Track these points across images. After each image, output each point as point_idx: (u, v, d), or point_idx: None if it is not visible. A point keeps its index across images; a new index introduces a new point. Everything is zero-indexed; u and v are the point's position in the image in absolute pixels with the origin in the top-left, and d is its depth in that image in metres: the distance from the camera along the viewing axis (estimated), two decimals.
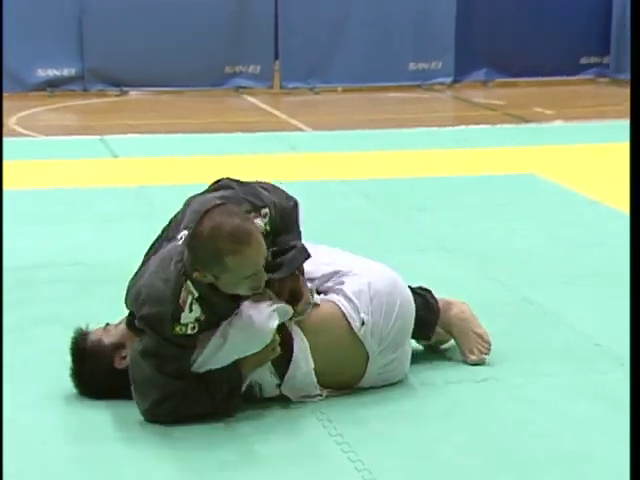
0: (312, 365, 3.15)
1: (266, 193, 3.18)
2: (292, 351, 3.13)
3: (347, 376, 3.24)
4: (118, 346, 3.17)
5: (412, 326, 3.34)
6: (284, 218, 3.18)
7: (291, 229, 3.20)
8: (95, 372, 3.17)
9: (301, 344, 3.15)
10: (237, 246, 2.91)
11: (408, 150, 7.36)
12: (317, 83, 10.89)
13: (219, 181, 3.25)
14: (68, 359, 3.24)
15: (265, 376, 3.14)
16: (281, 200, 3.21)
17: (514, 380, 3.37)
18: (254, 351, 3.06)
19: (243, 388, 3.10)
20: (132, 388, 3.07)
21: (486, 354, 3.48)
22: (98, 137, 7.85)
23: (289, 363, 3.13)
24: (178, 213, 3.24)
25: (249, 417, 3.10)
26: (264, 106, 10.11)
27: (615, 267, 4.44)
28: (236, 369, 3.06)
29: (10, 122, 8.91)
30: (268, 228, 3.12)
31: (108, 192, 6.01)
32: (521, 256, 4.76)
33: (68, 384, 3.24)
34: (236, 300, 3.04)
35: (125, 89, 10.62)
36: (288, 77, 10.86)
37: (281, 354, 3.12)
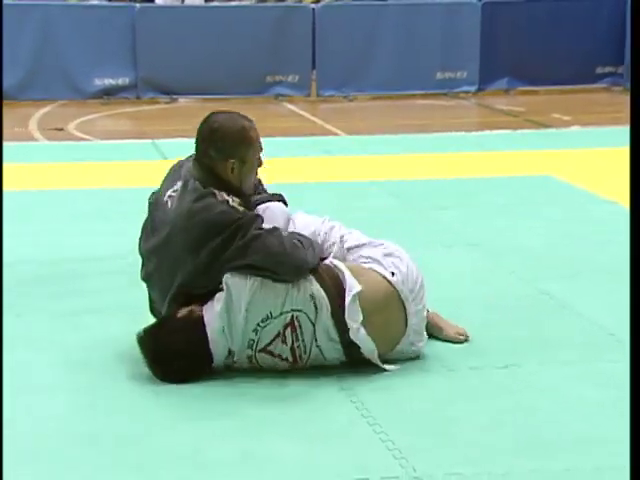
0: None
1: None
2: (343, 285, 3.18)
3: (393, 328, 3.26)
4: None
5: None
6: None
7: None
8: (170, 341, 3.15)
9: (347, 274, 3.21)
10: (250, 123, 3.25)
11: (435, 153, 7.33)
12: (351, 91, 10.87)
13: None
14: (116, 346, 3.27)
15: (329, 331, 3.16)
16: None
17: (532, 367, 3.35)
18: None
19: None
20: (283, 266, 3.13)
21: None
22: (150, 141, 7.89)
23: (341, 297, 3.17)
24: (150, 201, 3.45)
25: (282, 397, 3.10)
26: (302, 112, 10.11)
27: (628, 263, 4.39)
28: None
29: (70, 127, 8.98)
30: None
31: None
32: (539, 252, 4.73)
33: (114, 368, 3.26)
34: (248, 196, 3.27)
35: (175, 97, 10.66)
36: (324, 86, 10.85)
37: (332, 283, 3.17)
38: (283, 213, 3.34)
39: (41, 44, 10.20)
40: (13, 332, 3.62)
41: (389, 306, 3.26)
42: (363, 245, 3.40)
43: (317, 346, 3.18)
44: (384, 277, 3.27)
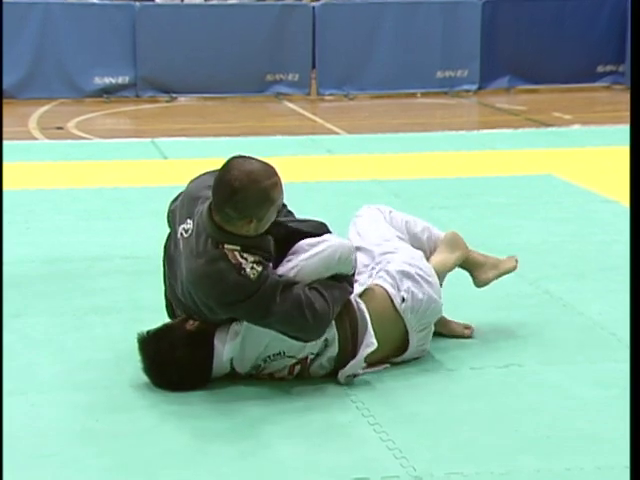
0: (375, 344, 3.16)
1: None
2: (357, 329, 3.15)
3: (388, 350, 3.25)
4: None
5: (440, 313, 3.38)
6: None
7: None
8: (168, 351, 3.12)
9: (369, 325, 3.17)
10: (274, 179, 3.02)
11: (436, 152, 7.33)
12: (351, 90, 10.87)
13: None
14: (118, 345, 3.27)
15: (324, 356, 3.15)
16: None
17: (534, 367, 3.36)
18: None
19: None
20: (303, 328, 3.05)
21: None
22: (149, 140, 7.89)
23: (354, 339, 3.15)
24: (169, 213, 3.27)
25: (282, 397, 3.10)
26: (302, 111, 10.11)
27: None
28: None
29: (69, 126, 8.99)
30: None
31: (158, 191, 6.03)
32: (541, 252, 4.73)
33: (115, 369, 3.26)
34: (268, 233, 3.07)
35: (174, 95, 10.66)
36: (324, 84, 10.85)
37: (348, 329, 3.14)
38: (343, 249, 3.13)
39: (41, 42, 10.20)
40: (13, 332, 3.62)
41: (391, 330, 3.26)
42: (393, 253, 3.37)
43: (308, 371, 3.21)
44: (392, 301, 3.26)
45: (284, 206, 3.24)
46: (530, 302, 4.00)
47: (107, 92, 10.54)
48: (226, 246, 3.00)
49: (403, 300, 3.26)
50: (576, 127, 8.69)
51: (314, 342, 3.11)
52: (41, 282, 4.22)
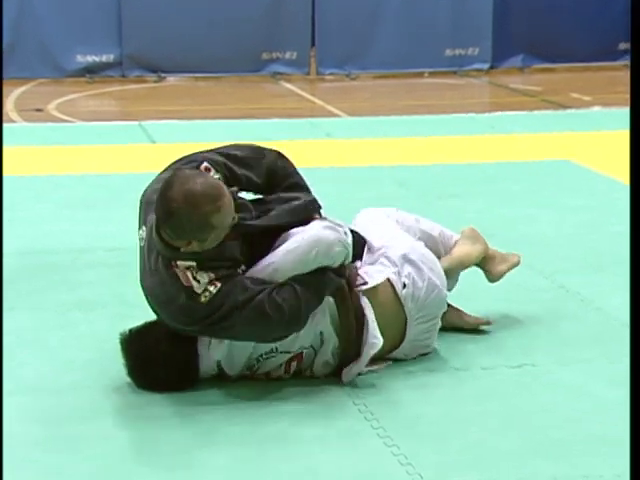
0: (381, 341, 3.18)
1: (208, 154, 3.19)
2: (363, 326, 3.17)
3: (388, 341, 3.27)
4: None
5: (444, 307, 3.41)
6: (275, 173, 3.22)
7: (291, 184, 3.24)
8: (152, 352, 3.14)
9: (372, 322, 3.19)
10: (217, 203, 2.93)
11: (444, 136, 7.34)
12: (353, 69, 10.87)
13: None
14: (103, 344, 3.27)
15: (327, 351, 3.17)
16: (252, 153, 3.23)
17: (549, 366, 3.37)
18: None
19: None
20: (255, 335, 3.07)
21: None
22: (136, 123, 7.90)
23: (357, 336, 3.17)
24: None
25: (281, 400, 3.12)
26: (300, 92, 10.11)
27: None
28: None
29: (50, 108, 8.99)
30: (220, 180, 3.11)
31: (146, 177, 6.01)
32: (556, 243, 4.74)
33: (100, 368, 3.28)
34: (230, 239, 3.02)
35: (163, 75, 10.66)
36: (324, 63, 10.85)
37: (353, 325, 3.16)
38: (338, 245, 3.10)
39: (18, 17, 10.19)
40: None
41: (390, 318, 3.28)
42: (394, 239, 3.41)
43: (312, 369, 3.23)
44: (394, 288, 3.29)
45: (286, 179, 3.23)
46: (545, 297, 4.01)
47: (90, 71, 10.54)
48: (179, 263, 2.98)
49: (404, 286, 3.30)
50: (596, 109, 8.70)
51: (303, 334, 3.12)
52: (21, 276, 4.23)
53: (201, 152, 3.25)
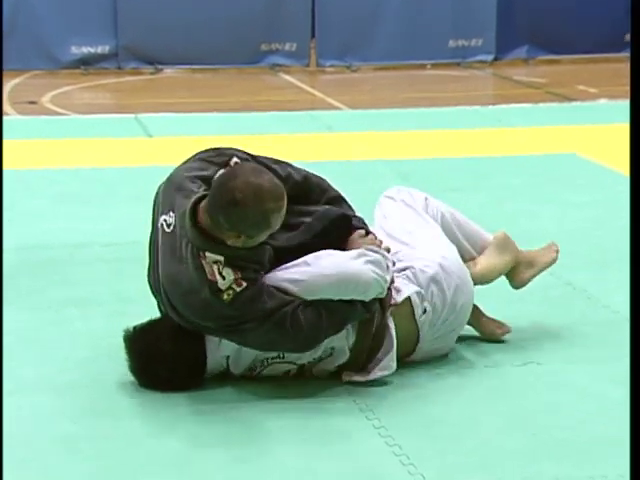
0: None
1: (235, 151, 3.21)
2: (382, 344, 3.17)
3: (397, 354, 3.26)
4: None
5: (467, 317, 3.38)
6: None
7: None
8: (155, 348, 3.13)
9: (394, 345, 3.18)
10: (280, 202, 2.95)
11: (447, 129, 7.34)
12: (354, 61, 10.86)
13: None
14: (100, 341, 3.27)
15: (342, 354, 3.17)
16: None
17: (555, 365, 3.37)
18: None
19: None
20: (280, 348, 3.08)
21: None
22: (132, 116, 7.89)
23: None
24: (157, 197, 3.22)
25: (280, 398, 3.12)
26: (300, 84, 10.10)
27: None
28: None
29: (44, 100, 8.99)
30: None
31: (142, 171, 6.04)
32: (562, 238, 4.72)
33: (97, 367, 3.28)
34: (258, 247, 3.01)
35: (159, 67, 10.65)
36: (324, 55, 10.84)
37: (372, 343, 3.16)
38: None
39: (12, 8, 10.18)
40: None
41: (403, 337, 3.25)
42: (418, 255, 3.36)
43: (311, 371, 3.23)
44: (413, 311, 3.26)
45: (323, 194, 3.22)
46: (551, 294, 4.01)
47: (85, 63, 10.52)
48: (207, 255, 2.96)
49: (424, 311, 3.27)
50: (602, 101, 8.70)
51: (314, 350, 3.12)
52: (15, 272, 4.23)
53: (230, 148, 3.24)
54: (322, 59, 10.86)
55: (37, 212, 5.22)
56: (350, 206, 3.32)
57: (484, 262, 3.54)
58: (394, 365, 3.18)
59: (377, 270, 3.07)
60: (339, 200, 3.30)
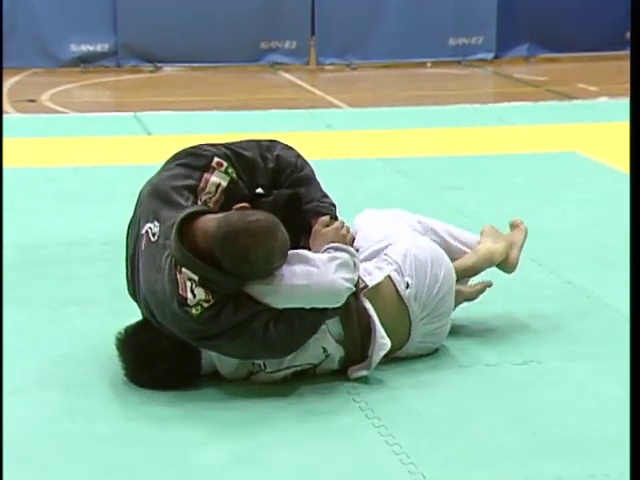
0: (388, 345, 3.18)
1: (213, 150, 3.19)
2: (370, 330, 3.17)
3: (393, 341, 3.26)
4: None
5: (453, 299, 3.38)
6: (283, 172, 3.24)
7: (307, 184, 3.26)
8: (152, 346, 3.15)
9: (378, 323, 3.19)
10: (286, 256, 2.99)
11: (447, 128, 7.34)
12: (354, 59, 10.86)
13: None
14: (98, 340, 3.26)
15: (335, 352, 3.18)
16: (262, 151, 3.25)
17: (554, 363, 3.37)
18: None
19: None
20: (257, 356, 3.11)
21: None
22: (132, 114, 7.89)
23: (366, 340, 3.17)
24: (139, 203, 3.24)
25: (279, 396, 3.12)
26: (300, 82, 10.10)
27: None
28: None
29: (43, 99, 8.98)
30: (233, 174, 3.15)
31: (142, 169, 6.01)
32: (563, 237, 4.74)
33: (94, 365, 3.28)
34: (238, 278, 3.01)
35: (159, 65, 10.65)
36: (324, 53, 10.84)
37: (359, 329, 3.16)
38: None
39: (11, 6, 10.18)
40: None
41: (395, 319, 3.27)
42: (396, 236, 3.40)
43: (314, 372, 3.23)
44: (396, 288, 3.28)
45: (290, 175, 3.24)
46: (551, 292, 4.01)
47: (85, 61, 10.53)
48: (184, 270, 2.98)
49: (407, 286, 3.28)
50: (602, 100, 8.69)
51: (299, 355, 3.13)
52: (13, 270, 4.23)
53: (208, 145, 3.24)
54: (322, 57, 10.86)
55: (36, 210, 5.22)
56: (320, 187, 3.31)
57: (483, 247, 3.57)
58: (388, 341, 3.17)
59: (347, 275, 3.07)
60: (306, 181, 3.28)
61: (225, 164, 3.16)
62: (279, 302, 3.03)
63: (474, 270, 3.53)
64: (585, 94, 9.07)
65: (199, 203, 3.11)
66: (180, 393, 3.13)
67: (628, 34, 11.30)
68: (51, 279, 4.16)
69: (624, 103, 8.41)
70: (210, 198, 3.14)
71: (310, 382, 3.20)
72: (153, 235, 3.10)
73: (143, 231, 3.14)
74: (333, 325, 3.16)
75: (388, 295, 3.27)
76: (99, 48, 10.54)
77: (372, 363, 3.18)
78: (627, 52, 11.27)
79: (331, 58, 10.87)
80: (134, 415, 3.03)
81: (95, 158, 6.35)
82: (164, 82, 10.14)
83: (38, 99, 8.93)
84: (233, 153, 3.20)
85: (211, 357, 3.16)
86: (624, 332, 3.61)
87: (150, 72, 10.57)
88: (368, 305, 3.20)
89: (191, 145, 3.27)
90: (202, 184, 3.13)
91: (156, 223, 3.10)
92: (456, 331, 3.55)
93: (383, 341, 3.17)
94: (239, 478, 2.71)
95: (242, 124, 7.46)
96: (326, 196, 3.30)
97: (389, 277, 3.28)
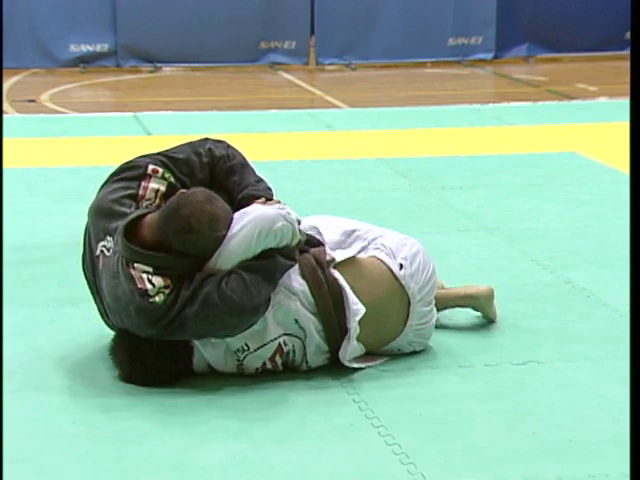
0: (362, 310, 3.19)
1: (148, 159, 3.30)
2: (342, 296, 3.19)
3: (389, 325, 3.28)
4: None
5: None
6: (219, 164, 3.33)
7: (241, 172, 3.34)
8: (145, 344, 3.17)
9: (349, 290, 3.21)
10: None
11: (447, 128, 7.34)
12: (353, 59, 10.86)
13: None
14: (96, 340, 3.26)
15: (314, 339, 3.19)
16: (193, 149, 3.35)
17: (554, 363, 3.37)
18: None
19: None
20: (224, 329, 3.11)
21: None
22: (131, 114, 7.89)
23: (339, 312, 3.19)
24: (87, 232, 3.31)
25: (278, 396, 3.12)
26: (299, 83, 10.10)
27: None
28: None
29: (42, 99, 8.98)
30: (171, 179, 3.26)
31: None
32: (562, 237, 4.74)
33: (93, 365, 3.28)
34: (190, 257, 3.07)
35: (158, 65, 10.66)
36: (324, 53, 10.84)
37: (331, 298, 3.18)
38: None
39: (11, 6, 10.18)
40: None
41: (390, 301, 3.29)
42: (381, 236, 3.44)
43: (307, 362, 3.24)
44: (390, 269, 3.29)
45: (223, 167, 3.32)
46: (550, 293, 4.01)
47: (84, 61, 10.53)
48: (136, 266, 3.04)
49: (401, 267, 3.31)
50: (602, 100, 8.69)
51: (276, 323, 3.14)
52: (12, 270, 4.23)
53: (142, 157, 3.33)
54: (321, 57, 10.86)
55: (35, 210, 5.22)
56: (254, 172, 3.38)
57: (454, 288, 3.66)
58: (361, 307, 3.19)
59: (276, 210, 3.13)
60: (239, 168, 3.35)
61: (161, 170, 3.27)
62: (225, 261, 3.07)
63: (452, 291, 3.61)
64: (585, 94, 9.07)
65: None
66: (179, 394, 3.14)
67: (628, 34, 11.30)
68: (50, 279, 4.16)
69: (624, 103, 8.41)
70: (151, 204, 3.23)
71: (309, 382, 3.20)
72: (108, 250, 3.17)
73: (98, 252, 3.21)
74: (304, 296, 3.17)
75: (381, 276, 3.29)
76: (99, 48, 10.54)
77: (353, 333, 3.18)
78: (627, 52, 11.27)
79: (331, 58, 10.88)
80: (134, 415, 3.03)
81: (95, 158, 6.34)
82: (163, 82, 10.14)
83: (38, 99, 8.93)
84: (167, 158, 3.31)
85: (201, 351, 3.16)
86: (624, 332, 3.61)
87: (149, 72, 10.57)
88: (338, 275, 3.23)
89: (125, 161, 3.34)
90: (141, 192, 3.23)
91: (109, 238, 3.18)
92: (456, 331, 3.55)
93: (356, 307, 3.19)
94: (238, 478, 2.70)
95: (241, 124, 7.46)
96: (261, 180, 3.37)
97: (380, 260, 3.31)
